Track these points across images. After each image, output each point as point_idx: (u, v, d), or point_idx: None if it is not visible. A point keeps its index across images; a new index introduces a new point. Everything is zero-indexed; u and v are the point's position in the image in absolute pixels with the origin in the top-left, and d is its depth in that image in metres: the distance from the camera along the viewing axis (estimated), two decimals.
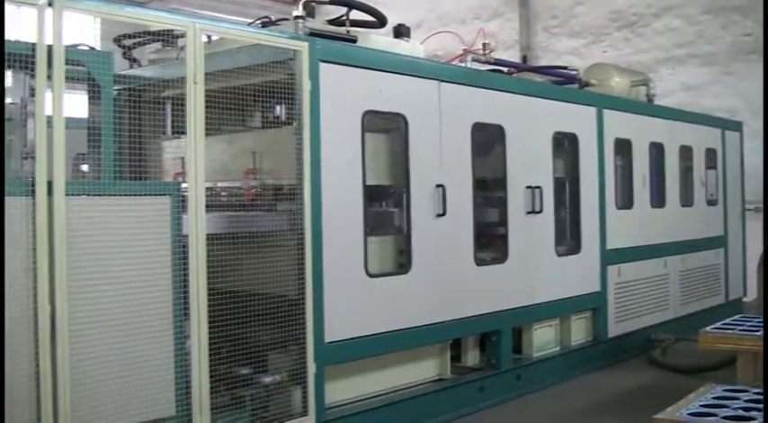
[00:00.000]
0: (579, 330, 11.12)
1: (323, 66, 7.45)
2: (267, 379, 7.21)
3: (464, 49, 10.37)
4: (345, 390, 7.95)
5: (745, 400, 6.19)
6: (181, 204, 6.36)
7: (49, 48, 5.66)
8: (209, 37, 7.31)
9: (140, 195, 6.16)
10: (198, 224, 6.42)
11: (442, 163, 8.68)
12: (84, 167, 6.77)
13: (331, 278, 7.45)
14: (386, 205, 8.54)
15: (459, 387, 9.02)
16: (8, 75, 5.99)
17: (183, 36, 6.67)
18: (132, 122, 6.75)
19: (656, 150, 12.69)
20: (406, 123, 8.34)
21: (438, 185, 8.58)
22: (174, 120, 7.80)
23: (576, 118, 11.01)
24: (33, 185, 5.58)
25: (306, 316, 7.23)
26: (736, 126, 15.46)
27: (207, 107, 6.51)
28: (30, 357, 5.55)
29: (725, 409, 6.00)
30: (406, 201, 8.36)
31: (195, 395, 6.40)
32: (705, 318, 11.20)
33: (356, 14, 8.70)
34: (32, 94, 5.84)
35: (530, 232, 9.98)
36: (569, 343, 10.89)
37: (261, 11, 8.90)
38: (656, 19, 18.12)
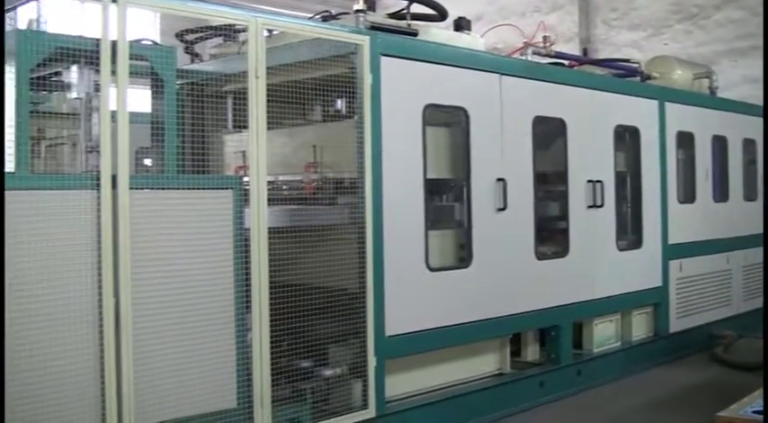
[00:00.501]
0: (640, 326, 11.01)
1: (384, 59, 7.44)
2: (328, 372, 7.23)
3: (525, 42, 10.31)
4: (405, 383, 7.94)
5: None
6: (243, 198, 6.40)
7: (113, 43, 5.72)
8: (269, 31, 7.34)
9: (203, 189, 6.20)
10: (260, 218, 6.45)
11: (502, 157, 8.63)
12: (147, 161, 6.82)
13: (392, 272, 7.44)
14: (446, 199, 8.51)
15: (518, 382, 8.97)
16: (73, 70, 6.05)
17: (244, 31, 6.70)
18: (195, 117, 6.80)
19: (719, 144, 12.53)
20: (467, 117, 8.30)
21: (499, 179, 8.53)
22: (235, 114, 7.83)
23: (638, 111, 10.89)
24: (98, 179, 5.65)
25: (366, 309, 7.23)
26: None
27: (268, 101, 6.54)
28: (95, 349, 5.62)
29: None
30: (466, 195, 8.33)
31: (256, 388, 6.44)
32: None
33: (417, 8, 8.68)
34: (97, 89, 5.88)
35: (591, 226, 9.90)
36: (630, 338, 10.78)
37: (320, 5, 8.88)
38: (717, 11, 17.84)
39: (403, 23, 8.31)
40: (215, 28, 8.22)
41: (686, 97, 11.97)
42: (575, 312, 9.71)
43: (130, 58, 5.80)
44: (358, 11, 7.72)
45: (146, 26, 14.94)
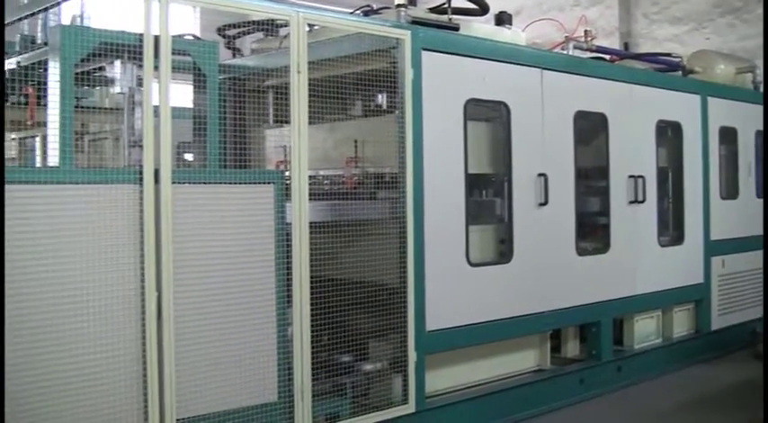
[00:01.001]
0: (681, 322, 10.94)
1: (425, 54, 7.42)
2: (368, 367, 7.24)
3: (566, 37, 10.23)
4: (445, 379, 7.94)
5: None
6: (284, 192, 6.41)
7: (156, 38, 5.75)
8: (310, 26, 7.34)
9: (245, 183, 6.22)
10: (301, 212, 6.47)
11: (544, 152, 8.60)
12: (188, 156, 6.85)
13: (432, 267, 7.43)
14: (487, 194, 8.49)
15: (558, 378, 8.94)
16: (116, 65, 6.08)
17: (285, 25, 6.70)
18: (236, 111, 6.82)
19: (763, 139, 12.38)
20: (509, 111, 8.27)
21: (540, 174, 8.50)
22: (276, 108, 7.84)
23: (680, 106, 10.81)
24: (141, 174, 5.68)
25: (407, 304, 7.23)
26: None
27: (309, 96, 6.54)
28: (137, 343, 5.66)
29: None
30: (507, 190, 8.31)
31: (297, 382, 6.46)
32: None
33: (458, 2, 8.65)
34: (140, 84, 5.92)
35: (632, 222, 9.83)
36: (671, 335, 10.71)
37: (361, 0, 8.88)
38: (760, 4, 17.63)
39: (444, 18, 8.28)
40: (256, 23, 8.23)
41: (729, 92, 11.86)
42: (615, 308, 9.65)
43: (173, 53, 5.83)
44: (399, 5, 7.70)
45: (187, 22, 15.07)
